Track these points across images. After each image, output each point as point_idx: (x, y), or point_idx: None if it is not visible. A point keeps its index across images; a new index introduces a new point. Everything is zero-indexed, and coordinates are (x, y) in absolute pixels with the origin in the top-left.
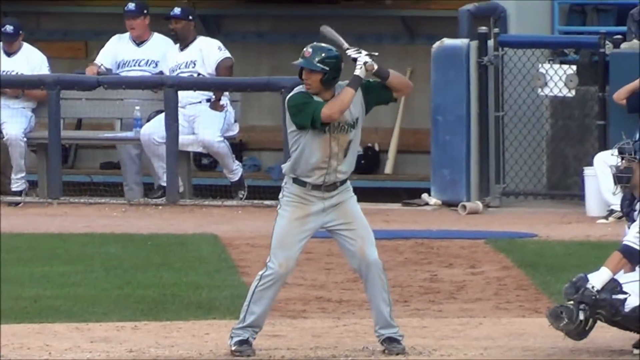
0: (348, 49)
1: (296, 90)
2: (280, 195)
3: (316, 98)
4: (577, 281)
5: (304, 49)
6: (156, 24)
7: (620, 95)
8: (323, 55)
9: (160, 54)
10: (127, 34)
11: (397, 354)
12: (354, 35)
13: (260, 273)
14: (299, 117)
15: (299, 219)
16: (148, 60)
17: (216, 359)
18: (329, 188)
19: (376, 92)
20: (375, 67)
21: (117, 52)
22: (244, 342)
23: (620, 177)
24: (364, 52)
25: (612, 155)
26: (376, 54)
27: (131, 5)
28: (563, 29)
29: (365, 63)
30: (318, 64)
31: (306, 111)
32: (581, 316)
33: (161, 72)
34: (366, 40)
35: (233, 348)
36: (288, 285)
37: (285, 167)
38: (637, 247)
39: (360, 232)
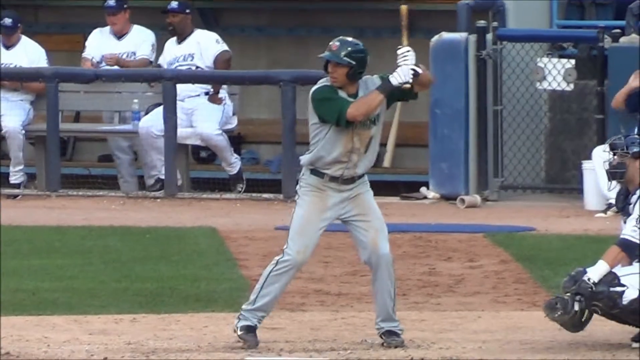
0: (400, 47)
1: (321, 83)
2: (298, 187)
3: (340, 92)
4: (576, 275)
5: (331, 42)
6: (154, 18)
7: (618, 101)
8: (350, 49)
9: (139, 44)
10: (108, 28)
11: (396, 347)
12: (354, 28)
13: (276, 258)
14: (324, 111)
15: (317, 209)
16: (128, 53)
17: (214, 351)
18: (347, 181)
19: (400, 90)
20: (409, 85)
21: (100, 46)
22: (251, 330)
23: (614, 173)
24: (410, 63)
25: (604, 151)
26: (420, 71)
27: (111, 2)
28: (562, 22)
29: (405, 83)
30: (345, 58)
31: (332, 107)
32: (576, 307)
33: (159, 65)
34: (365, 34)
35: (239, 333)
36: None
37: (304, 158)
38: (636, 241)
39: (375, 224)
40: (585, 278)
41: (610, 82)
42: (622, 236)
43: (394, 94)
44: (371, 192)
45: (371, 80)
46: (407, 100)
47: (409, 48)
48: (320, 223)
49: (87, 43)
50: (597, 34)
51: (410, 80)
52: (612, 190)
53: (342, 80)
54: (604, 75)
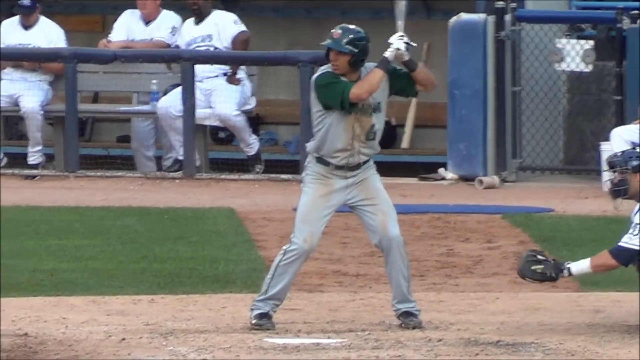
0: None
1: (323, 69)
2: (303, 174)
3: (342, 79)
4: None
5: (332, 30)
6: None
7: None
8: (351, 36)
9: (166, 30)
10: (139, 11)
11: (414, 328)
12: (371, 10)
13: (284, 248)
14: (327, 96)
15: (322, 196)
16: (153, 39)
17: (233, 332)
18: (352, 168)
19: (402, 82)
20: (406, 57)
21: (128, 29)
22: (264, 316)
23: (618, 191)
24: (402, 39)
25: (603, 171)
26: (414, 44)
27: None
28: (580, 4)
29: (397, 49)
30: (347, 46)
31: (335, 91)
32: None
33: (177, 46)
34: (382, 15)
35: (253, 322)
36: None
37: (309, 146)
38: (630, 246)
39: (383, 207)
40: (566, 266)
41: (628, 63)
42: (618, 244)
43: (396, 83)
44: (377, 176)
45: (371, 67)
46: (407, 96)
47: (400, 34)
48: (325, 210)
49: (115, 24)
50: (615, 15)
51: (403, 48)
52: (619, 209)
53: (344, 68)
54: (622, 56)
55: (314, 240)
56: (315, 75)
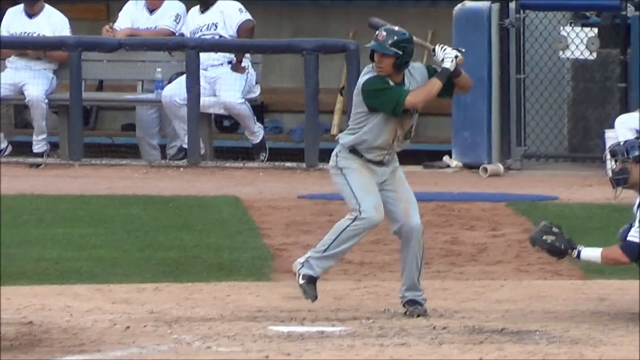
0: (434, 49)
1: (369, 72)
2: (334, 162)
3: (390, 82)
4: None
5: (377, 32)
6: None
7: None
8: (396, 38)
9: (170, 18)
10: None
11: (418, 316)
12: None
13: (354, 214)
14: (378, 102)
15: (367, 173)
16: (157, 27)
17: (237, 320)
18: (385, 164)
19: (444, 84)
20: (461, 59)
21: (133, 18)
22: (312, 281)
23: (618, 180)
24: (449, 48)
25: (604, 160)
26: (463, 50)
27: None
28: None
29: (456, 57)
30: (391, 48)
31: (388, 97)
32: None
33: (181, 34)
34: (388, 3)
35: (300, 282)
36: (308, 247)
37: (345, 139)
38: (637, 240)
39: (405, 195)
40: (578, 247)
41: (632, 50)
42: (627, 238)
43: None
44: (400, 167)
45: (413, 67)
46: (443, 97)
47: (439, 45)
48: (377, 185)
49: (120, 13)
50: (620, 2)
51: (460, 55)
52: (617, 198)
53: (388, 70)
54: (626, 43)
55: (382, 210)
56: (363, 79)
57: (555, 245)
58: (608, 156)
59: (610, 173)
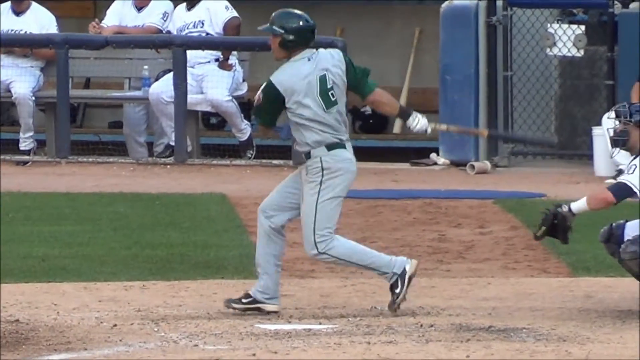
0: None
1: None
2: None
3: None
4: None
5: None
6: None
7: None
8: (283, 19)
9: (158, 16)
10: None
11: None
12: None
13: None
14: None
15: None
16: (145, 25)
17: (224, 318)
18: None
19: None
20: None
21: (121, 15)
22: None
23: (617, 140)
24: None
25: (608, 118)
26: (430, 130)
27: None
28: None
29: (415, 127)
30: (276, 28)
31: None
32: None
33: (169, 32)
34: (375, 2)
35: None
36: (295, 245)
37: None
38: (632, 186)
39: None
40: (563, 207)
41: (620, 48)
42: (619, 180)
43: (350, 85)
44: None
45: (324, 54)
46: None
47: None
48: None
49: (107, 11)
50: None
51: (425, 130)
52: (615, 157)
53: (276, 51)
54: (614, 41)
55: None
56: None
57: (546, 214)
58: (612, 115)
59: (611, 132)
